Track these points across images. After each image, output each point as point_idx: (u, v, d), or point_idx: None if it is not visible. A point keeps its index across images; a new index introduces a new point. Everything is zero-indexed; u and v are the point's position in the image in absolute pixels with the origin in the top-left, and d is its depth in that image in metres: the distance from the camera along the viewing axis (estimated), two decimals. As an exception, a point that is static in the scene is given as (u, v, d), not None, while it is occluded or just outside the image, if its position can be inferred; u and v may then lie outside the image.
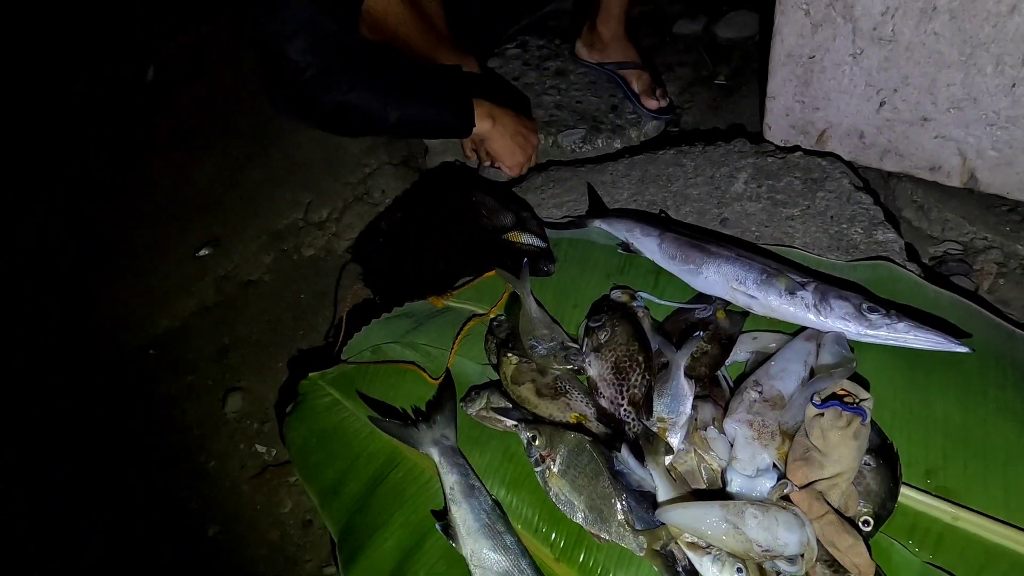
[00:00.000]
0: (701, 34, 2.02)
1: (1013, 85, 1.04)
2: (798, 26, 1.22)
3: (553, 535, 0.93)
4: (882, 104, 1.21)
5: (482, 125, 1.28)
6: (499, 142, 1.31)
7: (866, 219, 1.15)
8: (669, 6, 2.17)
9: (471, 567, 0.88)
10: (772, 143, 1.41)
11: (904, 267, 1.04)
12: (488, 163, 1.52)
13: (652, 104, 1.64)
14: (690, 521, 0.79)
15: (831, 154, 1.32)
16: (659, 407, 0.93)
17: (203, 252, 1.80)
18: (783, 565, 0.77)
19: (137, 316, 1.72)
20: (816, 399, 0.84)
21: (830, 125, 1.32)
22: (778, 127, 1.40)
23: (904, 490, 0.81)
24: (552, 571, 0.90)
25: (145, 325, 1.71)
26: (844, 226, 1.15)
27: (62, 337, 1.73)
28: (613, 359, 1.01)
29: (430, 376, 1.15)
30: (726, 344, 1.00)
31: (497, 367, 1.10)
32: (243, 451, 1.38)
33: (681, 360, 0.95)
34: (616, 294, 1.16)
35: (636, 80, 1.66)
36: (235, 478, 1.34)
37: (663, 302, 1.12)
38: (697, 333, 0.98)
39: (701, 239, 1.12)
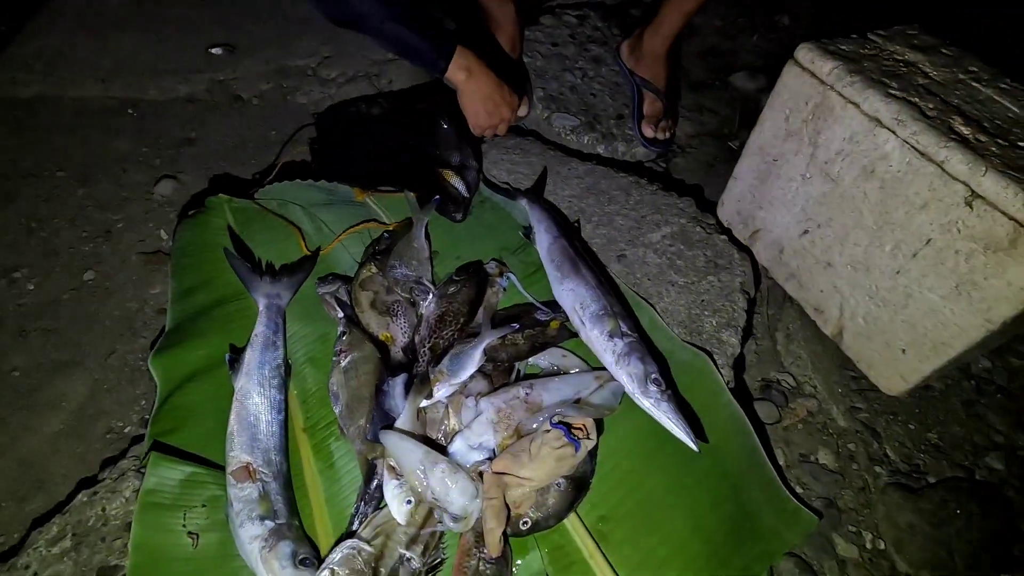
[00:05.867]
0: (751, 93, 2.02)
1: (898, 272, 1.10)
2: (777, 125, 1.26)
3: (313, 411, 1.08)
4: (805, 232, 1.27)
5: (456, 74, 1.26)
6: (467, 98, 1.31)
7: (726, 318, 1.23)
8: (742, 54, 2.16)
9: (234, 399, 1.03)
10: (715, 218, 1.47)
11: (719, 369, 1.13)
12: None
13: (648, 132, 1.67)
14: (397, 449, 0.93)
15: (750, 252, 1.39)
16: (447, 362, 1.05)
17: (215, 50, 1.90)
18: (447, 519, 0.91)
19: (131, 74, 1.84)
20: (556, 419, 0.96)
21: (763, 228, 1.38)
22: (728, 207, 1.46)
23: (574, 520, 0.94)
24: (294, 434, 1.05)
25: (134, 86, 1.83)
26: (706, 313, 1.24)
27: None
28: (443, 310, 1.13)
29: (306, 246, 1.27)
30: (537, 347, 1.11)
31: (359, 268, 1.22)
32: (150, 229, 1.52)
33: (486, 337, 1.07)
34: (491, 266, 1.27)
35: (649, 104, 1.69)
36: (130, 246, 1.49)
37: (523, 291, 1.23)
38: (513, 325, 1.09)
39: (582, 259, 1.21)
